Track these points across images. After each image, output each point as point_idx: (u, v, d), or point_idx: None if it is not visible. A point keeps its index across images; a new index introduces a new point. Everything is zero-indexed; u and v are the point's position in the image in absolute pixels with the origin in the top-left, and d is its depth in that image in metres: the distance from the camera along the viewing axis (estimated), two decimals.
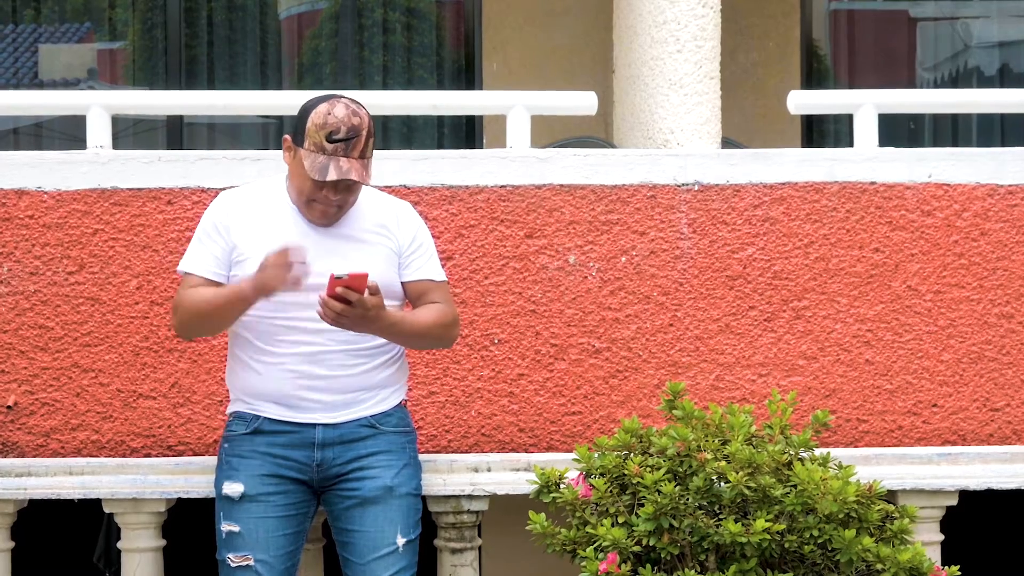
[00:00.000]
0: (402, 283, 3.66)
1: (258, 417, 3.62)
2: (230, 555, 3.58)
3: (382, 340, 3.59)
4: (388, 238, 3.63)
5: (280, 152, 4.19)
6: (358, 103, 3.55)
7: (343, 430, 3.61)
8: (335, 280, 3.35)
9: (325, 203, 3.51)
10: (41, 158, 4.17)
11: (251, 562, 3.56)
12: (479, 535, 4.19)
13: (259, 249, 3.49)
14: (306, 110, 3.53)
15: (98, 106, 4.30)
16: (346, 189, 3.50)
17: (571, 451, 3.92)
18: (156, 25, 6.97)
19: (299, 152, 3.50)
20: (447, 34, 7.18)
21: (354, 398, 3.61)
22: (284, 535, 3.61)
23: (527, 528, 3.57)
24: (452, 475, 4.06)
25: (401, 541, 3.61)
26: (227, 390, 4.04)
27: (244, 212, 3.60)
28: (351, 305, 3.37)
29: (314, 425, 3.60)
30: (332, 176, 3.44)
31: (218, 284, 3.57)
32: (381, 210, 3.66)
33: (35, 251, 4.12)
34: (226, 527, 3.59)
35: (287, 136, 3.59)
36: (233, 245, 3.57)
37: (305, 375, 3.57)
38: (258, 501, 3.58)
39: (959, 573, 3.54)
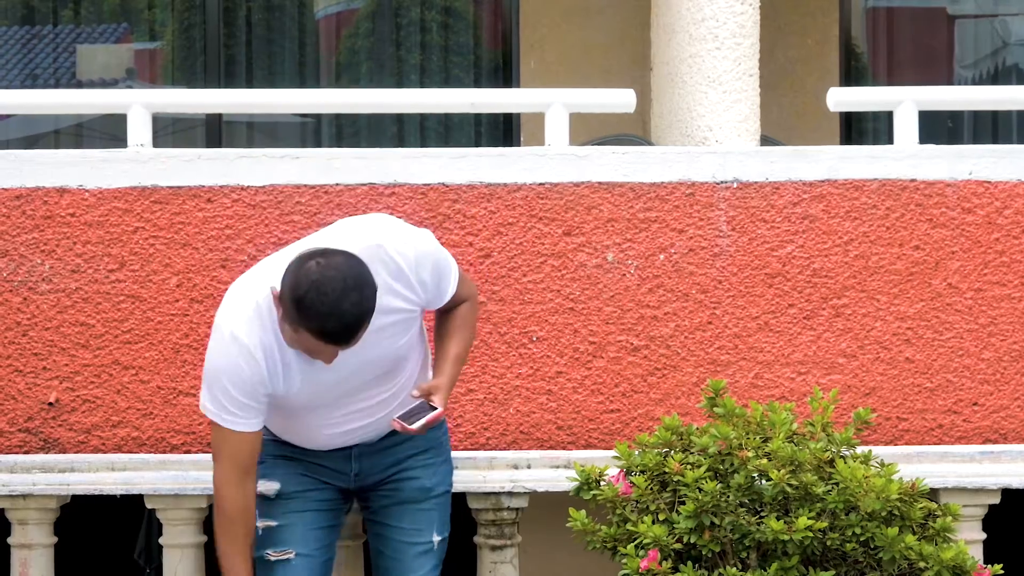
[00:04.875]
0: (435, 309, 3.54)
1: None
2: (269, 550, 3.55)
3: (406, 380, 3.48)
4: (407, 301, 3.36)
5: (317, 150, 4.22)
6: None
7: (382, 440, 3.58)
8: (409, 429, 3.36)
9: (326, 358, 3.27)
10: (83, 156, 4.19)
11: (292, 556, 3.53)
12: (518, 532, 4.20)
13: (289, 392, 3.35)
14: (297, 285, 3.13)
15: (139, 104, 4.32)
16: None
17: (609, 449, 3.91)
18: (194, 25, 7.00)
19: (290, 325, 3.19)
20: (484, 32, 7.19)
21: (387, 430, 3.54)
22: (322, 528, 3.58)
23: (567, 525, 3.57)
24: (492, 472, 4.07)
25: (436, 539, 3.61)
26: None
27: (268, 365, 3.31)
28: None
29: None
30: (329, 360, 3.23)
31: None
32: (391, 274, 3.31)
33: (76, 249, 4.15)
34: (263, 524, 3.54)
35: (277, 289, 3.23)
36: (270, 392, 3.35)
37: (341, 438, 3.52)
38: (295, 497, 3.54)
39: (1002, 572, 3.52)
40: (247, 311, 3.29)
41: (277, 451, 3.56)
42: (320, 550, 3.57)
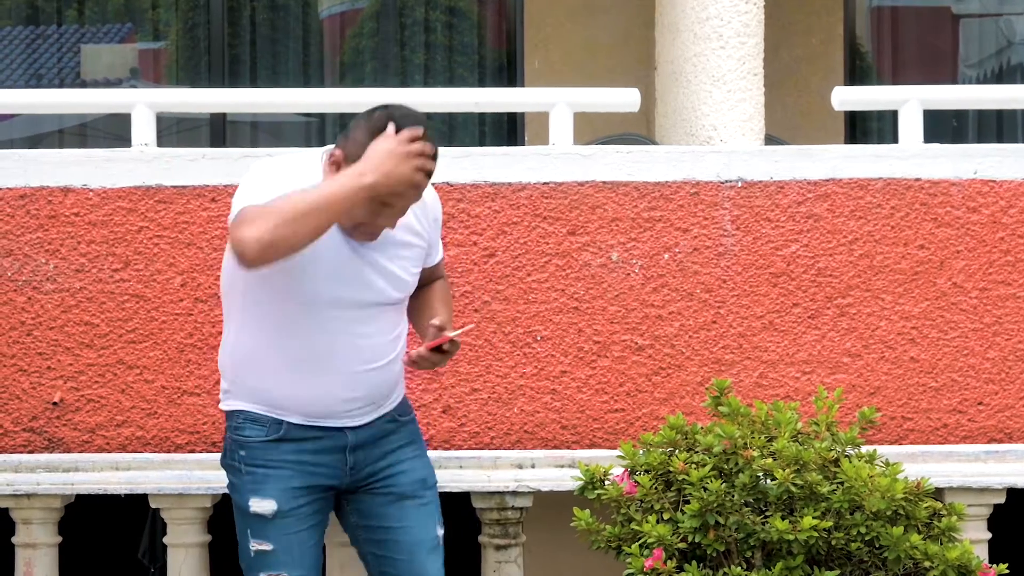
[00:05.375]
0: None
1: (281, 423, 3.35)
2: (262, 574, 3.35)
3: (400, 335, 3.40)
4: (418, 235, 3.38)
5: (322, 149, 4.21)
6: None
7: (371, 431, 3.42)
8: (446, 337, 3.27)
9: (377, 229, 3.23)
10: (87, 156, 4.19)
11: None
12: (522, 532, 4.20)
13: (295, 268, 3.19)
14: (381, 125, 3.13)
15: (143, 104, 4.33)
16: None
17: (613, 448, 3.91)
18: (198, 25, 7.00)
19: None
20: (488, 32, 7.19)
21: (381, 405, 3.44)
22: (314, 544, 3.41)
23: (571, 525, 3.57)
24: (496, 471, 4.07)
25: (440, 532, 3.51)
26: None
27: None
28: (444, 353, 3.31)
29: (343, 429, 3.38)
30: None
31: None
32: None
33: (80, 248, 4.15)
34: (256, 546, 3.34)
35: (337, 151, 3.21)
36: None
37: (342, 402, 3.35)
38: (289, 516, 3.33)
39: (1007, 571, 3.51)
40: (285, 160, 3.27)
41: (270, 457, 3.35)
42: (314, 567, 3.41)
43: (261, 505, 3.33)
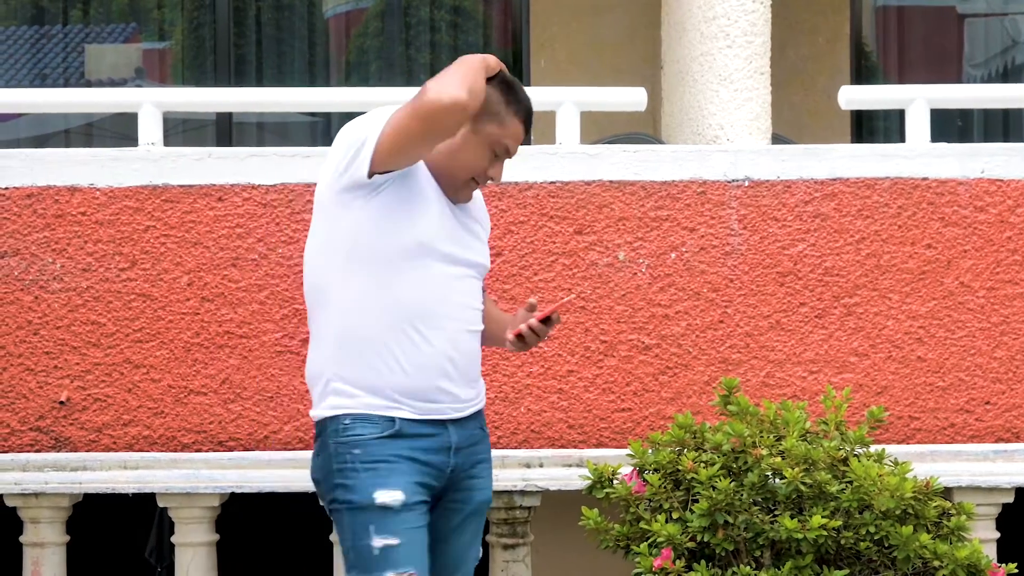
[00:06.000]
0: None
1: (393, 420, 3.20)
2: (390, 572, 3.13)
3: (481, 313, 3.36)
4: (479, 220, 3.44)
5: (327, 149, 4.19)
6: None
7: (467, 432, 3.30)
8: (559, 304, 3.30)
9: (485, 179, 3.32)
10: (93, 155, 4.19)
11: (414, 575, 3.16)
12: (530, 531, 4.19)
13: (408, 209, 3.23)
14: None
15: (150, 103, 4.33)
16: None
17: (620, 448, 3.91)
18: (203, 24, 7.01)
19: (493, 121, 3.28)
20: (493, 31, 7.19)
21: (476, 392, 3.35)
22: (426, 541, 3.23)
23: (579, 524, 3.56)
24: (504, 471, 4.06)
25: (480, 554, 3.43)
26: (277, 386, 4.06)
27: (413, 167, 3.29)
28: (549, 324, 3.30)
29: (446, 424, 3.24)
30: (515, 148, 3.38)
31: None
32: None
33: (87, 247, 4.15)
34: (381, 542, 3.13)
35: None
36: (401, 175, 3.23)
37: (449, 364, 3.24)
38: (413, 509, 3.16)
39: (1016, 571, 3.51)
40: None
41: (388, 451, 3.18)
42: (427, 565, 3.22)
43: (389, 496, 3.15)
